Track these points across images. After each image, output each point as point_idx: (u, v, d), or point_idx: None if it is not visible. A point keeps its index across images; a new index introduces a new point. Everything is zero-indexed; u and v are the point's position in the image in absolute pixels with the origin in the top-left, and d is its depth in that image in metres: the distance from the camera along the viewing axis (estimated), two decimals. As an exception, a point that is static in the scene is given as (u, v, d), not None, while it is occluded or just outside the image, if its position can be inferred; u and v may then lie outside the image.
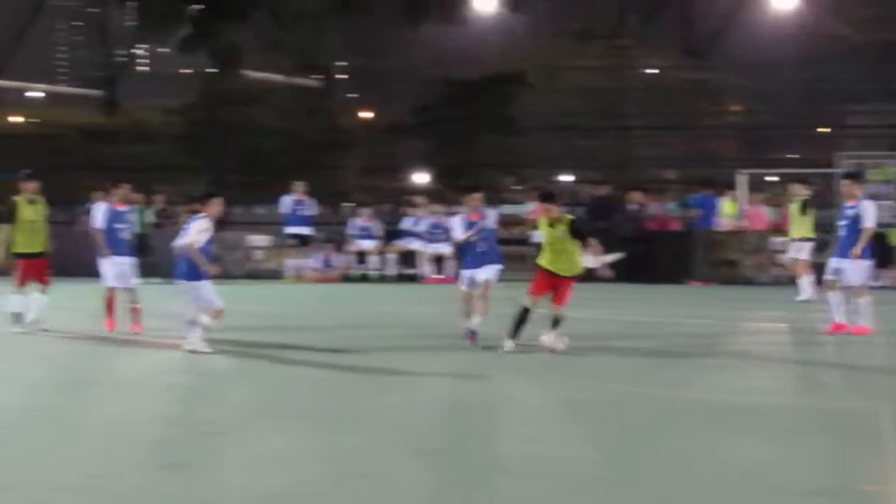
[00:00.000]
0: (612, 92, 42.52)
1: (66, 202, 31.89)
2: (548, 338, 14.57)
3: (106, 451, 8.74)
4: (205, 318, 14.62)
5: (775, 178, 36.23)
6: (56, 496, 7.49)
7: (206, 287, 14.73)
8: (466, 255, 16.04)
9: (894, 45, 45.33)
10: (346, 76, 46.95)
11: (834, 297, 16.49)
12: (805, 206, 23.00)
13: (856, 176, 17.72)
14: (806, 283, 22.88)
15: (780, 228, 27.79)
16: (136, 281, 17.54)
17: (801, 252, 22.95)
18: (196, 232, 14.62)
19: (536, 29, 45.67)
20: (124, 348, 15.45)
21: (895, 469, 8.08)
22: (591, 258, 14.64)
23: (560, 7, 45.40)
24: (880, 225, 27.96)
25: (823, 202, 29.51)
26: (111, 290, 17.41)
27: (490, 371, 12.93)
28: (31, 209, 17.33)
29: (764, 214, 28.91)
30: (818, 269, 22.21)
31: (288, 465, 8.22)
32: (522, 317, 14.53)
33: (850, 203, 16.77)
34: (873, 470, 8.04)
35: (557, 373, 12.97)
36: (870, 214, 16.52)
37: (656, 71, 44.57)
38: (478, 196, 16.00)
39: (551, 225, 14.73)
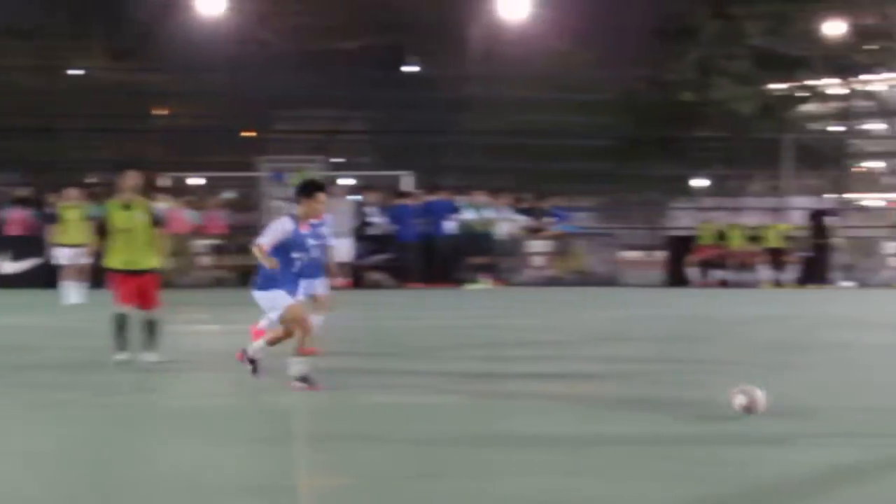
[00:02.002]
0: (38, 92, 41.36)
1: None
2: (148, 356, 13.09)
3: None
4: None
5: (201, 181, 36.50)
6: None
7: None
8: None
9: (317, 53, 46.80)
10: None
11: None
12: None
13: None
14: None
15: (201, 231, 28.21)
16: None
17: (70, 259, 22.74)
18: None
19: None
20: None
21: (311, 465, 8.22)
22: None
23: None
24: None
25: (247, 205, 30.11)
26: None
27: None
28: None
29: (185, 217, 28.74)
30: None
31: None
32: (121, 324, 13.04)
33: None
34: (296, 466, 8.15)
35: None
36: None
37: (83, 72, 43.75)
38: None
39: (128, 207, 13.18)
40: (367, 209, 29.64)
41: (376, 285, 28.39)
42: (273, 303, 11.53)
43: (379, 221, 29.48)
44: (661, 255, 33.10)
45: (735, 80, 40.12)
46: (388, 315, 21.35)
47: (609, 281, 29.75)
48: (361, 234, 28.98)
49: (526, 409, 10.67)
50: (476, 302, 24.80)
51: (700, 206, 39.72)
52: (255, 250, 11.39)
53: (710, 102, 41.28)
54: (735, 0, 38.55)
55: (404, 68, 46.00)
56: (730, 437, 9.10)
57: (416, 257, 28.72)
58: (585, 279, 29.63)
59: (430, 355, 14.89)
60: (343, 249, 28.38)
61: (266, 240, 11.44)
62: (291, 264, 11.56)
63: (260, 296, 11.60)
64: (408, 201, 29.45)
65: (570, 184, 40.99)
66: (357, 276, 28.55)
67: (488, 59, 46.76)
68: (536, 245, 29.94)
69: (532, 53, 53.78)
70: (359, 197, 30.59)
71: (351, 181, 35.66)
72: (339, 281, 28.02)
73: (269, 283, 11.43)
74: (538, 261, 29.88)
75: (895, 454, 8.72)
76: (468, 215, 29.35)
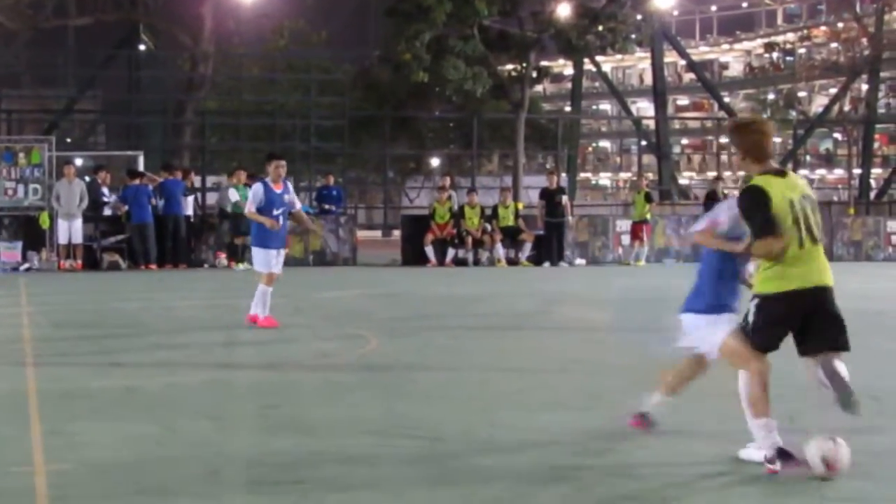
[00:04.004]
0: None
1: None
2: None
3: None
4: None
5: None
6: None
7: None
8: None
9: (47, 30, 45.61)
10: None
11: None
12: None
13: None
14: None
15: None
16: None
17: None
18: None
19: None
20: None
21: (40, 450, 8.10)
22: None
23: None
24: (31, 208, 28.13)
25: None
26: None
27: None
28: None
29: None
30: None
31: None
32: None
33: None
34: (23, 451, 8.03)
35: None
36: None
37: None
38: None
39: None
40: (101, 189, 29.05)
41: (114, 267, 27.80)
42: (712, 328, 7.73)
43: (112, 202, 28.95)
44: (398, 234, 33.29)
45: (468, 61, 40.64)
46: (122, 297, 20.97)
47: (347, 261, 29.93)
48: (95, 216, 28.41)
49: (264, 387, 10.71)
50: (215, 283, 24.61)
51: (435, 185, 40.21)
52: (705, 239, 7.77)
53: (445, 82, 41.71)
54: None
55: (137, 47, 45.09)
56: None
57: (150, 238, 28.11)
58: (324, 259, 29.74)
59: (167, 336, 14.78)
60: (76, 231, 27.84)
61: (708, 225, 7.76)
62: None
63: (693, 320, 7.88)
64: (142, 181, 28.89)
65: (307, 163, 40.97)
66: (92, 258, 27.97)
67: (222, 39, 46.31)
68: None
69: (266, 32, 53.69)
70: (92, 177, 29.98)
71: (83, 161, 34.92)
72: (70, 263, 27.53)
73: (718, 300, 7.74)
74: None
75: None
76: (233, 196, 28.58)
